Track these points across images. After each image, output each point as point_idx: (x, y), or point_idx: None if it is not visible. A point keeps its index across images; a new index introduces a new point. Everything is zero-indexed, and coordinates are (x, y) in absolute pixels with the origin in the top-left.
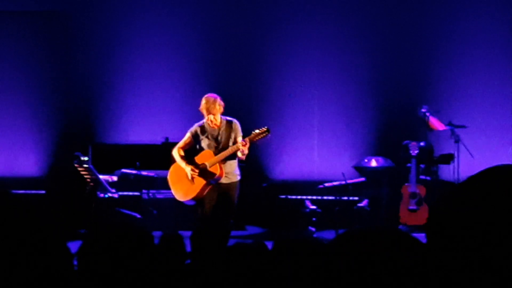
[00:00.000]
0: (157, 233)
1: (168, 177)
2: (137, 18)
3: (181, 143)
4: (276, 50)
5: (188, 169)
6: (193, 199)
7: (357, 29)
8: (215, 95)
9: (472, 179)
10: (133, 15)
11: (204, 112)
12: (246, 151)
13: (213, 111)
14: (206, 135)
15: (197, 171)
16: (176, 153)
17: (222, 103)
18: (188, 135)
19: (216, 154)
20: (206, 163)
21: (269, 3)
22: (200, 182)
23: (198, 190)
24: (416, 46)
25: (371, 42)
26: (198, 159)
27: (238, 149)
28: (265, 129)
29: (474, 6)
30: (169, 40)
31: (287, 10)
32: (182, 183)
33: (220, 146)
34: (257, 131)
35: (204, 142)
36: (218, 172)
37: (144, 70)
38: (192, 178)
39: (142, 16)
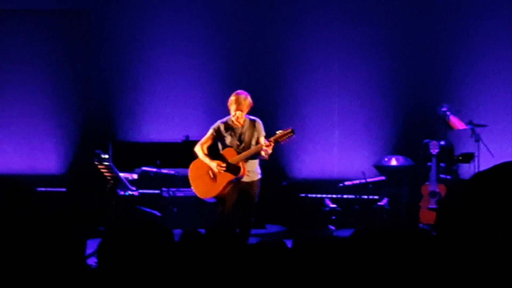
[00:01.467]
0: (177, 231)
1: (189, 174)
2: (158, 17)
3: (204, 140)
4: (297, 49)
5: (213, 164)
6: (215, 197)
7: (378, 30)
8: (246, 92)
9: (480, 175)
10: (154, 13)
11: (233, 107)
12: (270, 151)
13: (242, 108)
14: (229, 132)
15: (223, 166)
16: (199, 149)
17: (251, 102)
18: (211, 131)
19: (238, 152)
20: (229, 161)
21: (293, 4)
22: (223, 179)
23: (220, 188)
24: (437, 46)
25: (392, 42)
26: (221, 156)
27: (262, 149)
28: (290, 130)
29: (495, 5)
30: (191, 38)
31: (310, 12)
32: (204, 180)
33: (243, 145)
34: (281, 131)
35: (227, 140)
36: (241, 171)
37: (165, 68)
38: (214, 175)
39: (163, 15)
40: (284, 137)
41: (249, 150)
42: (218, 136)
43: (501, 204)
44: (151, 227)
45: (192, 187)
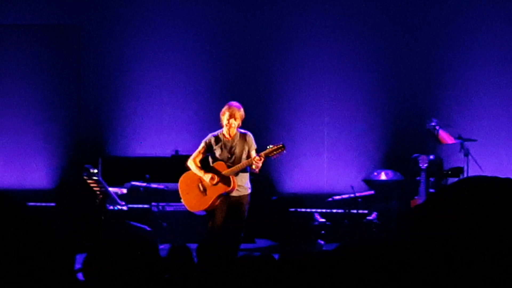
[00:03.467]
0: (166, 246)
1: (179, 186)
2: (148, 33)
3: (195, 154)
4: (288, 64)
5: (207, 177)
6: (205, 210)
7: (367, 45)
8: (239, 104)
9: (444, 189)
10: (143, 29)
11: (226, 116)
12: (260, 165)
13: (234, 116)
14: (220, 146)
15: (216, 179)
16: (192, 163)
17: (243, 114)
18: (202, 144)
19: (229, 166)
20: (221, 174)
21: (283, 21)
22: (213, 193)
23: (210, 201)
24: (426, 60)
25: (381, 56)
26: (211, 169)
27: (253, 163)
28: (281, 145)
29: (484, 19)
30: (181, 53)
31: (300, 27)
32: (194, 193)
33: (233, 158)
34: (272, 146)
35: (217, 153)
36: (231, 185)
37: (154, 84)
38: (204, 188)
39: (152, 31)
40: (275, 152)
41: (240, 164)
42: (209, 149)
43: (464, 215)
44: (135, 241)
45: (182, 200)
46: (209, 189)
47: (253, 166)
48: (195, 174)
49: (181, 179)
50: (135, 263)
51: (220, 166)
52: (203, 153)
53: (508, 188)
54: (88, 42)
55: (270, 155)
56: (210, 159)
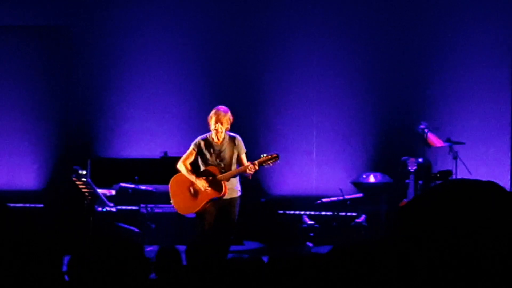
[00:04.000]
0: (155, 247)
1: (170, 189)
2: (138, 35)
3: (185, 156)
4: (276, 67)
5: (200, 182)
6: (194, 213)
7: (356, 46)
8: (226, 108)
9: (431, 190)
10: (133, 31)
11: (212, 120)
12: (253, 172)
13: (221, 120)
14: (209, 149)
15: (207, 185)
16: (182, 166)
17: (231, 117)
18: (192, 147)
19: (220, 169)
20: (212, 179)
21: (271, 22)
22: (204, 197)
23: (201, 206)
24: (415, 63)
25: (370, 59)
26: (203, 174)
27: (246, 171)
28: (275, 155)
29: (473, 23)
30: (169, 55)
31: (289, 28)
32: (184, 196)
33: (223, 162)
34: (266, 156)
35: (207, 156)
36: (223, 190)
37: (144, 85)
38: (195, 192)
39: (142, 33)
40: (269, 162)
41: (233, 171)
42: (199, 152)
43: (447, 216)
44: (120, 242)
45: (172, 203)
46: (200, 193)
47: (247, 171)
48: (185, 177)
49: (171, 181)
50: (120, 264)
51: (213, 170)
52: (193, 156)
53: (489, 191)
54: (78, 43)
55: (264, 164)
56: (200, 162)
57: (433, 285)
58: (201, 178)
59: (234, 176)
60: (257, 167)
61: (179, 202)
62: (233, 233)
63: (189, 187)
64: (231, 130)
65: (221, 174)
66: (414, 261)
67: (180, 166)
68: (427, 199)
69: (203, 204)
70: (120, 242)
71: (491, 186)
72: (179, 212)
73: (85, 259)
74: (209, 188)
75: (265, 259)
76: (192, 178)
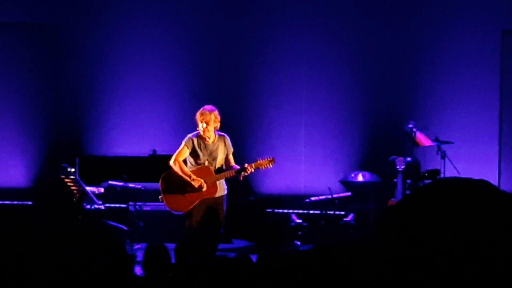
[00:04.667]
0: (143, 245)
1: (161, 186)
2: (127, 32)
3: (179, 154)
4: (265, 65)
5: (198, 182)
6: (185, 211)
7: (346, 46)
8: (212, 106)
9: (421, 188)
10: (123, 28)
11: (199, 120)
12: (248, 174)
13: (207, 120)
14: (201, 148)
15: (205, 185)
16: (177, 164)
17: (218, 116)
18: (184, 145)
19: (213, 169)
20: (208, 180)
21: (261, 22)
22: (196, 197)
23: (192, 205)
24: (403, 62)
25: (358, 58)
26: (197, 173)
27: (241, 174)
28: (271, 159)
29: (462, 23)
30: (158, 53)
31: (278, 27)
32: (176, 194)
33: (215, 162)
34: (262, 160)
35: (199, 155)
36: (215, 190)
37: (133, 83)
38: (187, 191)
39: (131, 30)
40: (265, 165)
41: (228, 172)
42: (192, 151)
43: (438, 215)
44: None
45: (161, 200)
46: (193, 192)
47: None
48: (177, 174)
49: (162, 178)
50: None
51: (206, 171)
52: (186, 154)
53: (481, 189)
54: (66, 41)
55: (260, 167)
56: (191, 160)
57: (424, 285)
58: (197, 177)
59: (232, 177)
60: (253, 170)
61: (170, 200)
62: (221, 231)
63: (181, 185)
64: (220, 129)
65: (213, 173)
66: (405, 261)
67: (174, 164)
68: (418, 197)
69: (195, 203)
70: (101, 238)
71: (484, 184)
72: (170, 209)
73: (71, 255)
74: (206, 188)
75: (253, 257)
76: (187, 177)
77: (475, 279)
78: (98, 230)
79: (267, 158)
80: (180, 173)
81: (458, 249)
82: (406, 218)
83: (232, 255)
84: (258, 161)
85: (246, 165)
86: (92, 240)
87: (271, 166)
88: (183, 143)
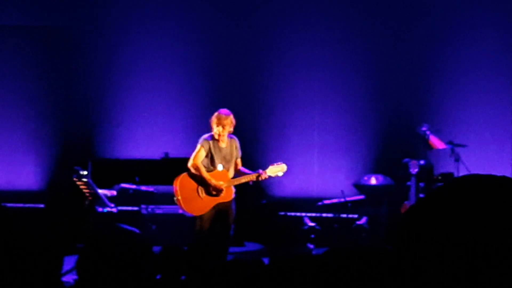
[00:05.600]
0: (156, 249)
1: (179, 188)
2: (139, 35)
3: (197, 156)
4: (278, 70)
5: (218, 186)
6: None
7: (358, 50)
8: (228, 111)
9: (440, 189)
10: (133, 31)
11: (214, 124)
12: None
13: (223, 124)
14: (215, 151)
15: (224, 190)
16: (196, 166)
17: (233, 121)
18: (200, 147)
19: (228, 173)
20: (225, 184)
21: (274, 25)
22: (212, 201)
23: (208, 209)
24: (417, 65)
25: (372, 61)
26: (215, 177)
27: (254, 179)
28: (283, 166)
29: (476, 26)
30: (170, 56)
31: (291, 32)
32: (193, 196)
33: (229, 165)
34: (274, 166)
35: (214, 158)
36: (230, 194)
37: (145, 86)
38: (203, 194)
39: (143, 33)
40: (276, 173)
41: (244, 177)
42: (207, 152)
43: (459, 215)
44: (130, 242)
45: (177, 201)
46: (211, 196)
47: (252, 177)
48: (194, 178)
49: (180, 180)
50: (129, 262)
51: (223, 175)
52: (203, 156)
53: (505, 186)
54: (78, 44)
55: (272, 175)
56: (206, 163)
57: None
58: (218, 183)
59: (247, 182)
60: (267, 176)
61: (187, 203)
62: (231, 233)
63: (198, 188)
64: (233, 133)
65: (229, 177)
66: (424, 265)
67: (194, 166)
68: (436, 198)
69: (210, 207)
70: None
71: (507, 181)
72: (185, 211)
73: (94, 257)
74: (224, 192)
75: (265, 260)
76: (211, 181)
77: (502, 279)
78: (124, 234)
79: (279, 164)
80: (200, 175)
81: (485, 250)
82: (425, 220)
83: (244, 258)
84: (271, 168)
85: (260, 171)
86: (119, 241)
87: (281, 175)
88: (199, 145)
